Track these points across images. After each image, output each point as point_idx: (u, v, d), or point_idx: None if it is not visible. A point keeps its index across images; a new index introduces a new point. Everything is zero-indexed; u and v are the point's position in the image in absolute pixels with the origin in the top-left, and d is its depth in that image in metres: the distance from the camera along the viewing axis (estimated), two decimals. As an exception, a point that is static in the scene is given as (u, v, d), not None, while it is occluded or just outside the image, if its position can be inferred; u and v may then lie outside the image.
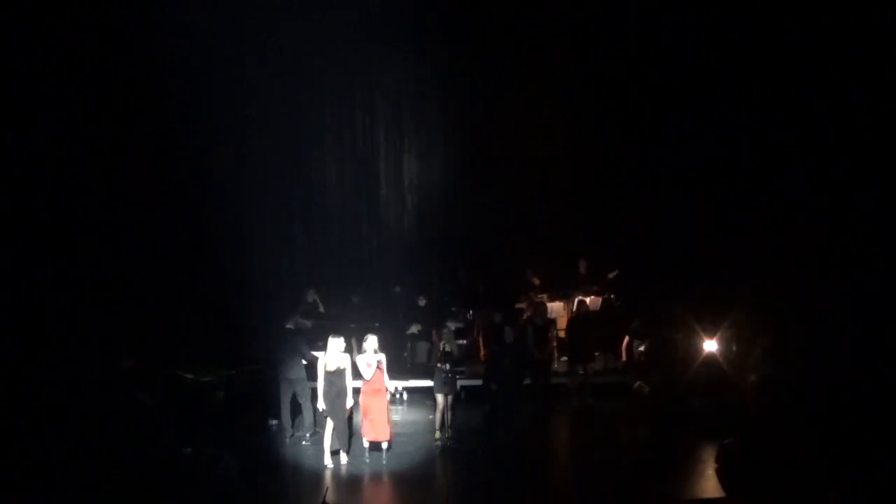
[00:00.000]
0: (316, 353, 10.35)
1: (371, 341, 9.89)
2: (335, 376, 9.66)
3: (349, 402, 9.73)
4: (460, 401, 11.20)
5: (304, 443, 10.60)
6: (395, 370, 12.95)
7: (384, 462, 9.75)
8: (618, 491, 9.03)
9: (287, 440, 10.73)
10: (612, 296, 13.82)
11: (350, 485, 9.30)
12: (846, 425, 9.29)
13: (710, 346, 11.88)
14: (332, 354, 9.71)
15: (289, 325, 11.03)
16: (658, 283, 13.17)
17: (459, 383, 11.12)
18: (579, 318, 12.51)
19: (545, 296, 13.38)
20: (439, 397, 10.53)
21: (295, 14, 13.99)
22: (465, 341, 13.35)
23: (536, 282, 13.76)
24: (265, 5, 13.90)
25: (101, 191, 12.58)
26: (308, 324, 12.04)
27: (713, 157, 13.47)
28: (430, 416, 11.14)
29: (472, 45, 14.91)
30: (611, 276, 13.59)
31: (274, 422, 11.38)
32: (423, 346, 13.39)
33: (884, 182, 11.31)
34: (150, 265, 12.79)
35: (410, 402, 12.60)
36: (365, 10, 14.22)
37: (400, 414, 12.07)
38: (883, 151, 11.34)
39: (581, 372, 12.36)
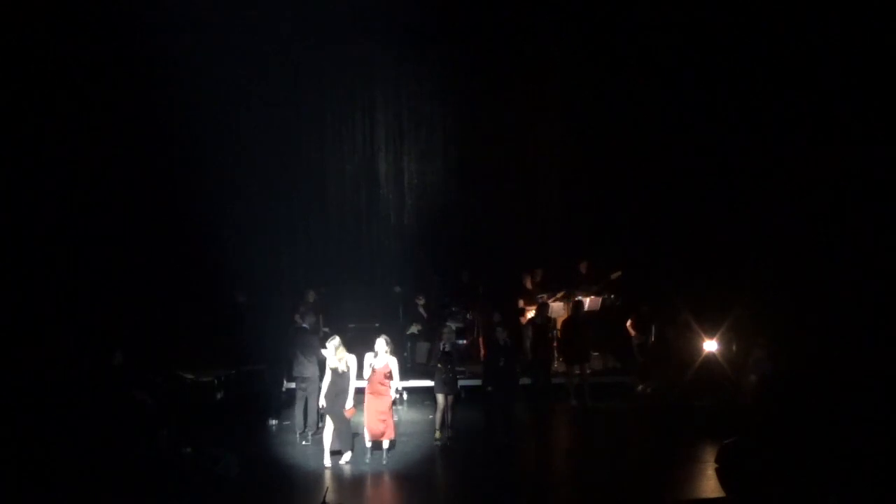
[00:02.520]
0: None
1: (380, 343, 9.84)
2: (337, 376, 9.66)
3: (349, 403, 9.72)
4: (460, 401, 11.19)
5: (304, 443, 10.60)
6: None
7: (384, 462, 9.75)
8: (618, 491, 9.03)
9: (297, 436, 10.76)
10: (612, 296, 13.82)
11: (350, 485, 9.30)
12: (846, 425, 9.30)
13: (710, 346, 11.89)
14: (335, 354, 9.70)
15: (304, 325, 11.03)
16: (658, 283, 13.18)
17: (459, 383, 11.11)
18: (576, 319, 12.50)
19: (545, 295, 13.38)
20: (439, 397, 10.53)
21: (295, 14, 13.94)
22: (465, 341, 13.35)
23: (529, 285, 13.77)
24: (266, 5, 13.88)
25: (101, 189, 12.59)
26: (319, 323, 12.04)
27: (714, 156, 13.48)
28: (431, 416, 11.14)
29: (472, 44, 14.91)
30: (614, 276, 13.59)
31: (273, 422, 11.38)
32: (423, 346, 13.38)
33: (884, 180, 11.32)
34: (148, 265, 12.80)
35: (410, 402, 12.59)
36: (365, 11, 14.21)
37: (400, 414, 12.07)
38: (883, 149, 11.35)
39: (577, 372, 12.35)
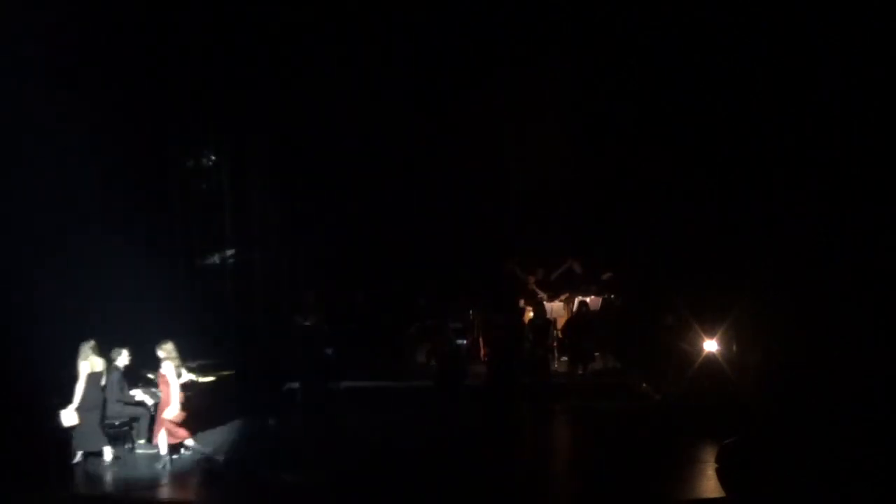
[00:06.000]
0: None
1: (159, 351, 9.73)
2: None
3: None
4: (460, 401, 11.19)
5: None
6: (395, 370, 13.03)
7: (378, 461, 9.71)
8: (618, 491, 9.03)
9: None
10: (612, 296, 13.83)
11: (348, 484, 9.31)
12: (846, 425, 9.30)
13: (710, 346, 11.89)
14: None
15: (306, 323, 11.08)
16: (658, 283, 13.19)
17: (459, 383, 11.12)
18: (578, 319, 12.51)
19: (545, 295, 13.39)
20: (439, 397, 10.54)
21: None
22: (465, 341, 13.37)
23: (532, 285, 13.77)
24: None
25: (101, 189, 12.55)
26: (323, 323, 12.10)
27: (714, 156, 13.48)
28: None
29: (473, 43, 14.91)
30: (604, 277, 13.61)
31: (273, 421, 11.39)
32: (423, 347, 13.40)
33: (884, 179, 11.32)
34: (146, 265, 12.79)
35: (410, 401, 12.59)
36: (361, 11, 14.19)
37: (399, 413, 12.12)
38: (882, 149, 11.35)
39: (580, 372, 12.36)
